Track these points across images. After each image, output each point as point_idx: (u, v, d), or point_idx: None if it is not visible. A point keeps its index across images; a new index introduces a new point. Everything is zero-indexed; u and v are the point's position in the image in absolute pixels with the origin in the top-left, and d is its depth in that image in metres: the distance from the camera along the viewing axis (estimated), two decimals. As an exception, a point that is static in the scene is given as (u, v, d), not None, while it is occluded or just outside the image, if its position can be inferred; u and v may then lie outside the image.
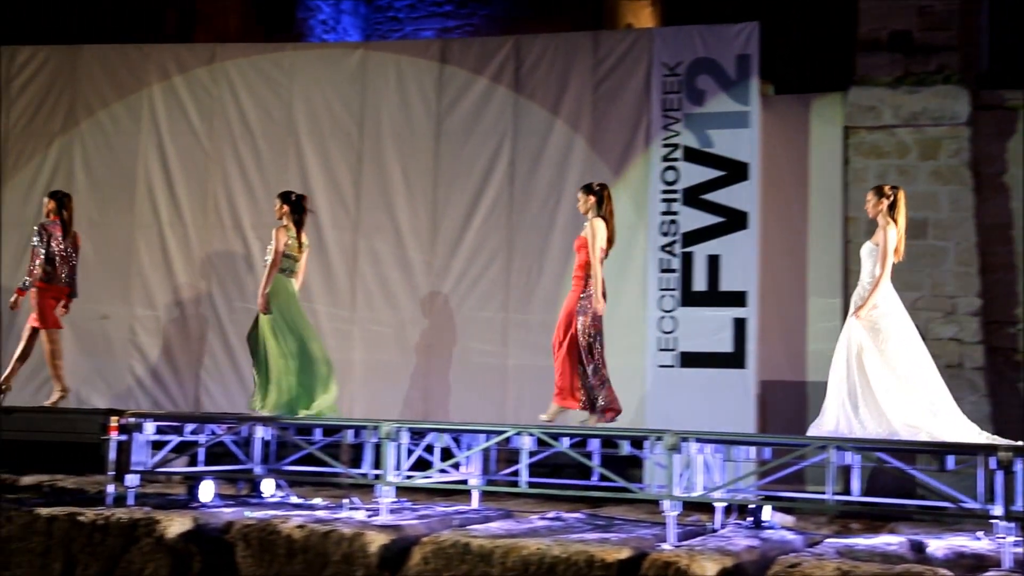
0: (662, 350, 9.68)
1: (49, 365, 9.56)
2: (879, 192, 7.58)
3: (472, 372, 10.07)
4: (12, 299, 9.57)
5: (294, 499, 8.61)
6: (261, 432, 8.21)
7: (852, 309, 7.51)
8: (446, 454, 8.09)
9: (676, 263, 9.73)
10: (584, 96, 10.09)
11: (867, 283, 7.48)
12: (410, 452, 7.70)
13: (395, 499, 7.67)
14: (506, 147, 10.24)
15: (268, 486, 8.79)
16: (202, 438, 8.44)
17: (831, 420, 7.34)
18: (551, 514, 8.03)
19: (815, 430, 7.40)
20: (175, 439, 8.23)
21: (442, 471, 7.98)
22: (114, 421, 7.93)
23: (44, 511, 7.31)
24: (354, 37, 14.36)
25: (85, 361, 10.72)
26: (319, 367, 8.82)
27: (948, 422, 7.19)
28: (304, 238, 9.05)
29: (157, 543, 7.02)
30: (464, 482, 8.37)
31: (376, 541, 6.74)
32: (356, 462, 8.53)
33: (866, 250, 7.57)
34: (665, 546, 6.58)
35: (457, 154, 10.34)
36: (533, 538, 6.68)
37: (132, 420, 7.95)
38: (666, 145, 9.85)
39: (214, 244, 10.70)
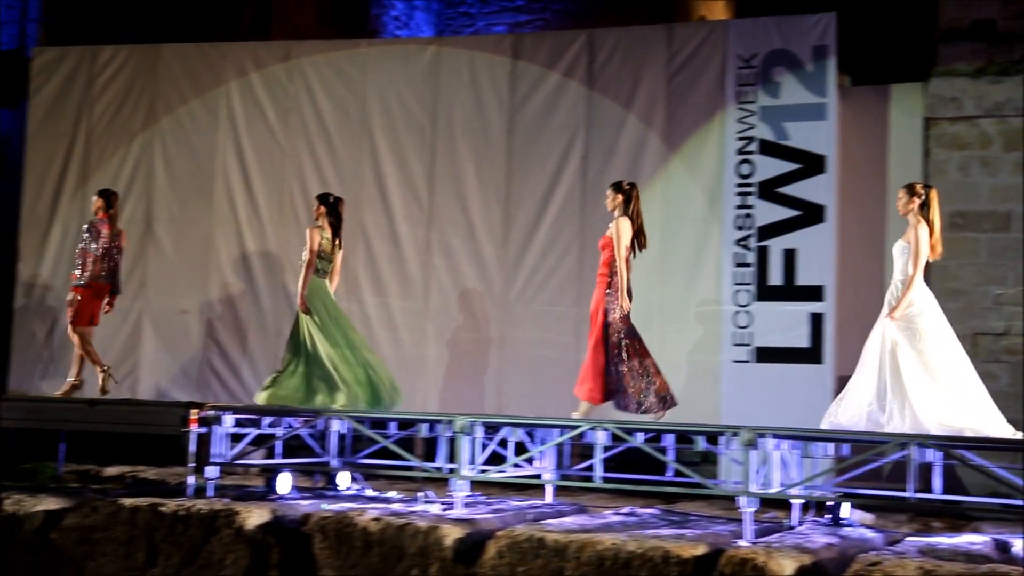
0: (737, 345, 9.59)
1: (77, 354, 9.73)
2: (911, 190, 7.57)
3: (545, 367, 10.06)
4: (69, 297, 9.73)
5: (369, 492, 8.69)
6: (337, 426, 8.28)
7: (886, 309, 7.47)
8: (520, 448, 8.10)
9: (751, 257, 9.64)
10: (657, 90, 10.03)
11: (899, 282, 7.47)
12: (484, 446, 7.71)
13: (469, 493, 7.68)
14: (579, 142, 10.22)
15: (344, 479, 8.87)
16: (279, 431, 8.54)
17: (849, 416, 7.34)
18: (625, 509, 8.00)
19: (828, 422, 7.41)
20: (253, 432, 8.33)
21: (516, 465, 7.98)
22: (194, 414, 8.05)
23: (128, 501, 7.44)
24: (427, 33, 14.42)
25: (165, 355, 10.91)
26: (342, 370, 8.89)
27: (987, 421, 7.11)
28: (339, 240, 9.17)
29: (237, 534, 7.12)
30: (538, 477, 8.37)
31: (451, 535, 6.77)
32: (430, 456, 8.57)
33: (897, 248, 7.56)
34: (741, 543, 6.52)
35: (530, 149, 10.34)
36: (608, 533, 6.66)
37: (212, 413, 8.06)
38: (741, 138, 9.76)
39: (290, 240, 10.80)
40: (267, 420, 8.45)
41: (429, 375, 10.36)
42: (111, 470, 9.98)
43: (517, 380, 10.13)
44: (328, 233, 9.09)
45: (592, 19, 12.29)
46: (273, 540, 7.09)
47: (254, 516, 7.19)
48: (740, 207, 9.71)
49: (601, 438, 7.50)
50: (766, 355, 9.54)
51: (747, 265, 9.65)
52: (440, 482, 8.67)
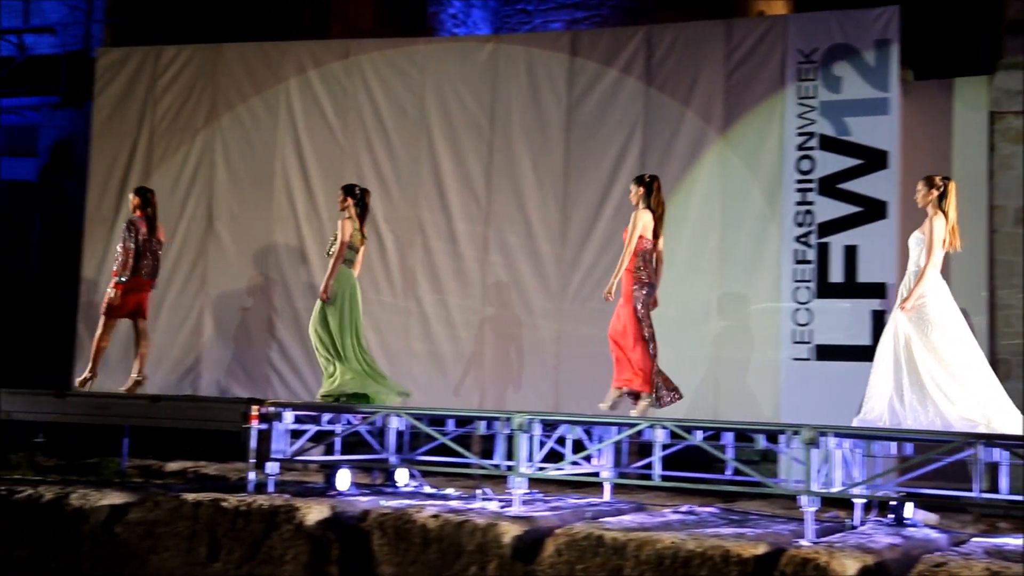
0: (797, 343, 9.50)
1: (94, 346, 9.85)
2: (929, 182, 7.54)
3: (603, 364, 10.00)
4: (110, 293, 9.81)
5: (427, 489, 8.72)
6: (395, 422, 8.32)
7: (898, 300, 7.44)
8: (577, 446, 8.08)
9: (812, 254, 9.54)
10: (716, 85, 9.95)
11: (913, 273, 7.44)
12: (542, 444, 7.70)
13: (527, 490, 7.68)
14: (636, 138, 10.17)
15: (402, 476, 8.91)
16: (338, 427, 8.59)
17: (876, 412, 7.31)
18: (684, 508, 7.95)
19: (859, 422, 7.34)
20: (312, 428, 8.39)
21: (574, 463, 7.97)
22: (255, 410, 8.12)
23: (190, 497, 7.53)
24: (484, 31, 14.45)
25: (225, 351, 11.03)
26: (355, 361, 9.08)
27: (1004, 414, 7.08)
28: (364, 231, 9.32)
29: (297, 530, 7.18)
30: (596, 474, 8.35)
31: (509, 532, 6.77)
32: (488, 453, 8.58)
33: (913, 240, 7.53)
34: (803, 542, 6.45)
35: (587, 145, 10.31)
36: (667, 532, 6.63)
37: (272, 409, 8.13)
38: (801, 134, 9.66)
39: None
40: (326, 417, 8.51)
41: (487, 372, 10.37)
42: (173, 465, 10.11)
43: (575, 377, 10.10)
44: (357, 224, 9.23)
45: (649, 15, 12.23)
46: (333, 536, 7.14)
47: (314, 512, 7.25)
48: (800, 203, 9.62)
49: (660, 436, 7.46)
50: (826, 353, 9.43)
51: (807, 262, 9.55)
52: (497, 479, 8.68)
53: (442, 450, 8.37)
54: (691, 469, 8.21)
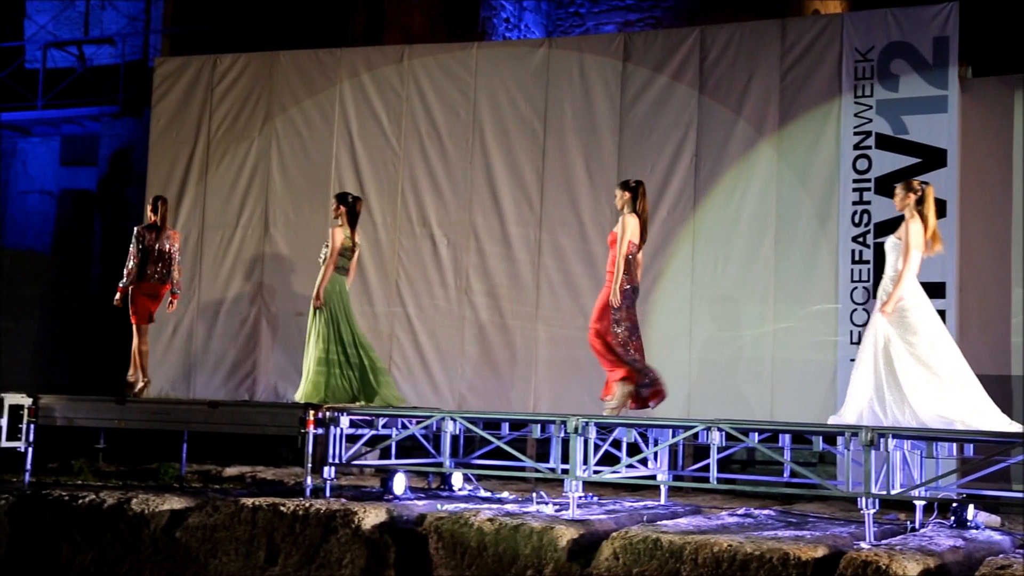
0: (854, 344, 9.39)
1: (134, 353, 10.02)
2: (908, 186, 7.63)
3: (657, 366, 9.97)
4: (116, 297, 9.97)
5: (483, 493, 8.72)
6: (450, 426, 8.33)
7: (878, 304, 7.53)
8: (632, 449, 8.04)
9: (869, 254, 9.43)
10: (770, 86, 9.88)
11: (891, 277, 7.53)
12: (597, 447, 7.68)
13: (582, 494, 7.66)
14: (690, 139, 10.12)
15: (457, 480, 8.93)
16: (393, 432, 8.62)
17: (853, 412, 7.37)
18: (741, 510, 7.89)
19: (834, 420, 7.41)
20: (368, 433, 8.43)
21: (630, 466, 7.93)
22: (312, 415, 8.18)
23: (248, 501, 7.58)
24: (536, 34, 14.46)
25: (281, 356, 11.12)
26: (355, 369, 9.23)
27: (982, 414, 7.15)
28: (357, 238, 9.45)
29: (354, 534, 7.21)
30: (652, 477, 8.31)
31: (565, 535, 6.75)
32: (542, 457, 8.56)
33: (890, 244, 7.63)
34: (863, 545, 6.38)
35: (641, 147, 10.28)
36: (724, 535, 6.58)
37: (328, 414, 8.17)
38: (857, 133, 9.56)
39: (402, 241, 10.93)
40: (382, 421, 8.55)
41: (541, 375, 10.36)
42: (231, 470, 10.20)
43: (629, 380, 10.05)
44: (348, 231, 9.32)
45: (703, 16, 12.18)
46: (390, 540, 7.16)
47: (371, 516, 7.27)
48: (856, 203, 9.52)
49: (716, 438, 7.40)
50: (885, 354, 9.30)
51: (864, 262, 9.44)
52: (552, 483, 8.68)
53: (497, 454, 8.38)
54: (750, 471, 8.16)
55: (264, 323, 11.22)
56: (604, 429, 7.75)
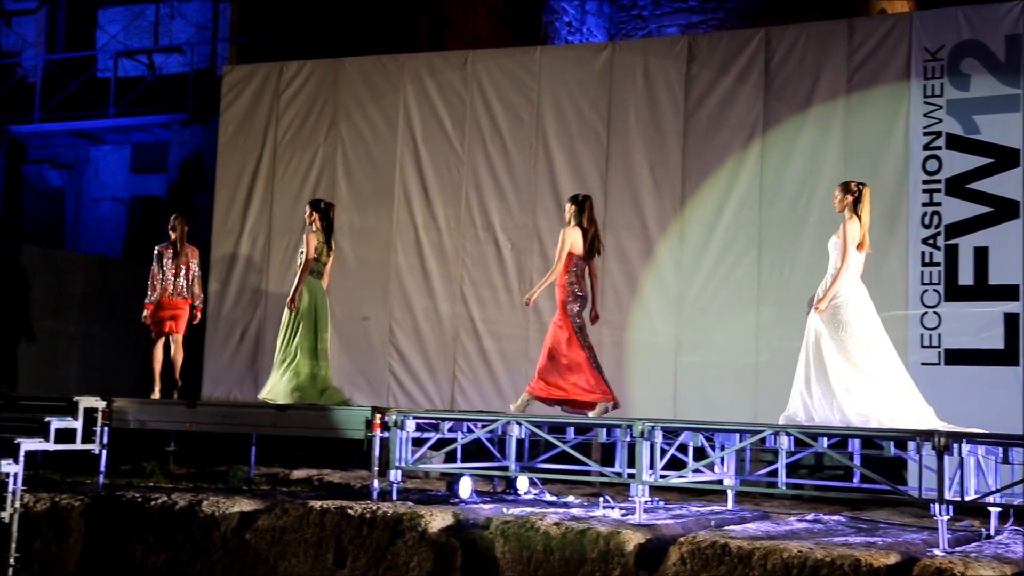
0: (925, 347, 9.25)
1: (156, 368, 10.45)
2: (846, 188, 7.90)
3: (723, 370, 9.92)
4: (144, 314, 10.41)
5: (548, 497, 8.72)
6: (516, 430, 8.34)
7: (814, 301, 7.78)
8: (699, 453, 8.00)
9: (939, 256, 9.29)
10: (838, 86, 9.77)
11: (830, 275, 7.79)
12: (663, 451, 7.65)
13: (648, 498, 7.63)
14: (755, 142, 10.04)
15: (523, 483, 8.93)
16: (459, 436, 8.65)
17: (793, 406, 7.68)
18: (810, 516, 7.81)
19: (784, 419, 7.64)
20: (434, 436, 8.47)
21: (696, 471, 7.89)
22: (378, 418, 8.23)
23: (317, 504, 7.66)
24: (599, 37, 14.44)
25: (347, 361, 11.20)
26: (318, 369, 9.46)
27: (906, 410, 7.40)
28: (331, 243, 9.62)
29: (421, 537, 7.24)
30: (719, 482, 8.25)
31: (632, 540, 6.73)
32: (606, 461, 8.54)
33: (831, 244, 7.86)
34: (936, 552, 6.28)
35: (705, 150, 10.22)
36: (793, 540, 6.51)
37: (395, 417, 8.22)
38: (927, 133, 9.42)
39: (467, 246, 10.97)
40: (447, 425, 8.58)
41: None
42: (298, 473, 10.30)
43: (694, 384, 10.01)
44: (322, 237, 9.51)
45: (767, 17, 12.07)
46: (456, 543, 7.19)
47: (437, 519, 7.31)
48: (926, 204, 9.38)
49: (784, 443, 7.34)
50: (956, 357, 9.18)
51: (935, 264, 9.30)
52: (617, 487, 8.65)
53: (562, 457, 8.37)
54: (819, 476, 8.07)
55: (330, 327, 11.29)
56: (670, 433, 7.72)
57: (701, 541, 6.52)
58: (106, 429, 8.92)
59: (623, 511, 7.62)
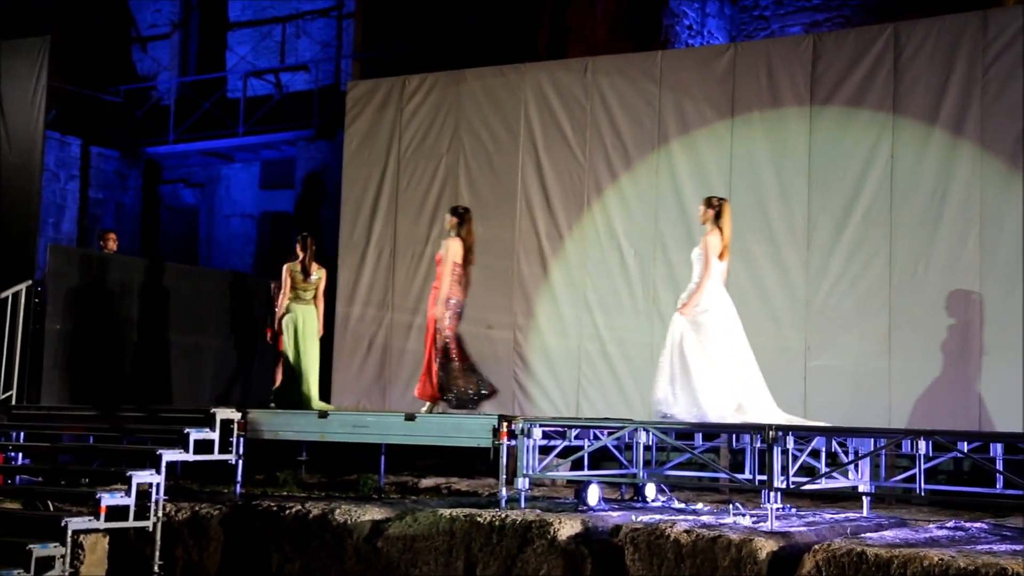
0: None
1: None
2: (708, 202, 8.62)
3: (854, 374, 9.70)
4: (270, 335, 11.08)
5: (677, 504, 8.64)
6: (643, 437, 8.28)
7: (679, 304, 8.49)
8: (832, 459, 7.82)
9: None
10: (972, 82, 9.47)
11: (693, 283, 8.50)
12: (795, 457, 7.50)
13: (780, 505, 7.49)
14: (885, 140, 9.79)
15: (651, 490, 8.86)
16: (586, 443, 8.62)
17: (658, 397, 8.41)
18: (950, 523, 7.57)
19: (657, 414, 8.35)
20: (560, 444, 8.46)
21: (830, 477, 7.72)
22: (505, 426, 8.26)
23: (447, 512, 7.72)
24: (720, 39, 14.29)
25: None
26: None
27: (759, 410, 8.15)
28: (312, 269, 10.23)
29: (550, 545, 7.23)
30: (854, 488, 8.06)
31: (765, 548, 6.62)
32: (736, 467, 8.42)
33: (694, 255, 8.59)
34: (1087, 561, 6.01)
35: (833, 150, 10.01)
36: (934, 548, 6.32)
37: (521, 426, 8.24)
38: (1068, 127, 9.07)
39: (589, 253, 10.95)
40: (573, 432, 8.56)
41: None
42: (427, 481, 10.40)
43: (824, 388, 9.80)
44: (298, 267, 10.19)
45: (895, 13, 11.77)
46: (586, 551, 7.16)
47: (566, 527, 7.29)
48: (1066, 200, 9.04)
49: (922, 448, 7.13)
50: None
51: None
52: (746, 493, 8.51)
53: (689, 464, 8.28)
54: (959, 482, 7.83)
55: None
56: (802, 439, 7.57)
57: (836, 549, 6.37)
58: (242, 439, 9.13)
59: (754, 518, 7.50)
